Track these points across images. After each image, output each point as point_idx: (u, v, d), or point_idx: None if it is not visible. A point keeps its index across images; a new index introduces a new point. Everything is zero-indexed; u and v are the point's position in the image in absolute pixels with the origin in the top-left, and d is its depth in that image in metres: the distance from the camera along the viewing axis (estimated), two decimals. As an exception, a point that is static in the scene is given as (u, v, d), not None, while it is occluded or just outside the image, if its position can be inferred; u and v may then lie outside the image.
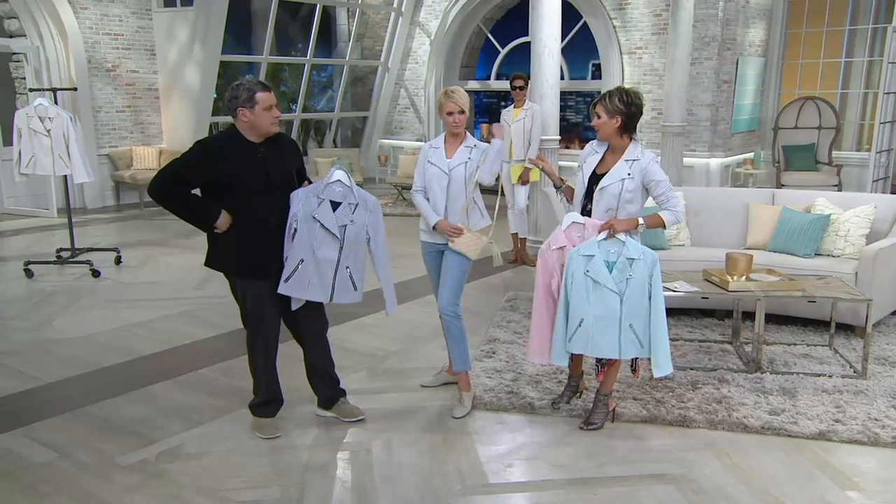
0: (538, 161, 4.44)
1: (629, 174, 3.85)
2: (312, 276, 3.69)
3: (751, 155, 11.40)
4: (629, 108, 3.80)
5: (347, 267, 3.75)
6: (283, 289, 3.71)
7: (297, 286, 3.70)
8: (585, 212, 3.97)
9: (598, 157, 3.99)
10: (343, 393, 4.14)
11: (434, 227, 4.11)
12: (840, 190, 10.38)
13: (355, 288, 3.80)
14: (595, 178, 3.94)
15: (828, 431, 3.87)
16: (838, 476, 3.49)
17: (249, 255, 3.67)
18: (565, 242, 3.90)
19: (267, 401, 3.97)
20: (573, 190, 4.15)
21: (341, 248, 3.71)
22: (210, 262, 3.82)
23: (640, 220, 3.82)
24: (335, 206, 3.70)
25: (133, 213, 10.62)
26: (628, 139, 3.90)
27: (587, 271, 3.73)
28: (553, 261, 3.93)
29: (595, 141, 4.08)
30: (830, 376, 4.59)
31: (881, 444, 3.78)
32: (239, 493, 3.38)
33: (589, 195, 3.96)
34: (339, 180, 3.74)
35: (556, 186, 4.22)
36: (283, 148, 3.78)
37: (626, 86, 3.97)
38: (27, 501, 3.29)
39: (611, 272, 3.72)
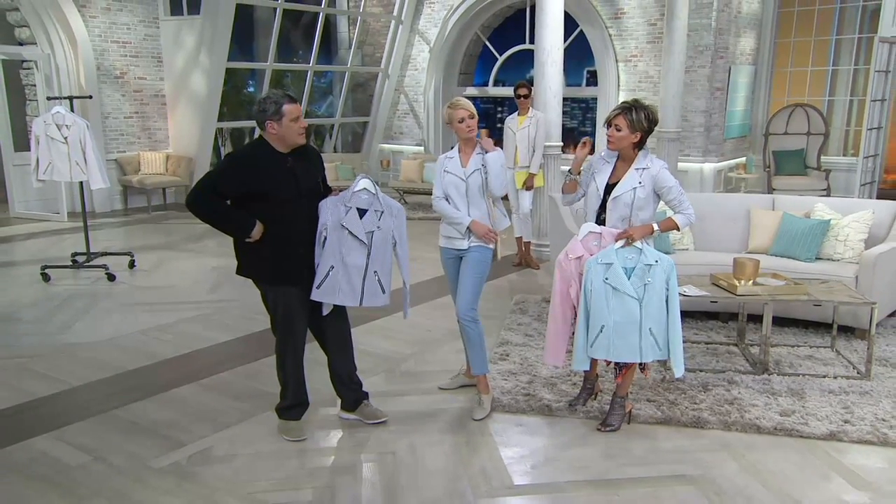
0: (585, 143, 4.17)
1: (640, 182, 3.87)
2: (342, 281, 3.71)
3: (743, 160, 11.47)
4: (651, 127, 3.82)
5: (375, 272, 3.76)
6: (315, 295, 3.72)
7: (329, 292, 3.72)
8: (599, 221, 3.97)
9: (610, 167, 3.99)
10: (366, 395, 4.14)
11: (468, 228, 4.10)
12: (829, 194, 10.46)
13: (383, 291, 3.82)
14: (607, 187, 3.95)
15: (838, 432, 3.89)
16: (852, 476, 3.51)
17: (281, 262, 3.67)
18: (583, 252, 3.90)
19: (294, 404, 3.96)
20: (577, 184, 4.12)
21: (369, 253, 3.73)
22: (242, 271, 3.81)
23: (655, 226, 3.84)
24: (362, 213, 3.71)
25: (141, 217, 10.57)
26: (638, 150, 3.91)
27: (606, 279, 3.74)
28: (571, 269, 3.93)
29: (605, 151, 4.08)
30: (835, 377, 4.63)
31: (890, 444, 3.80)
32: (271, 495, 3.37)
33: (602, 205, 3.96)
34: (364, 188, 3.75)
35: (570, 171, 4.16)
36: (310, 158, 3.79)
37: (646, 102, 3.92)
38: (65, 505, 3.28)
39: (629, 278, 3.73)
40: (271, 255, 3.66)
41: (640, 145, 3.88)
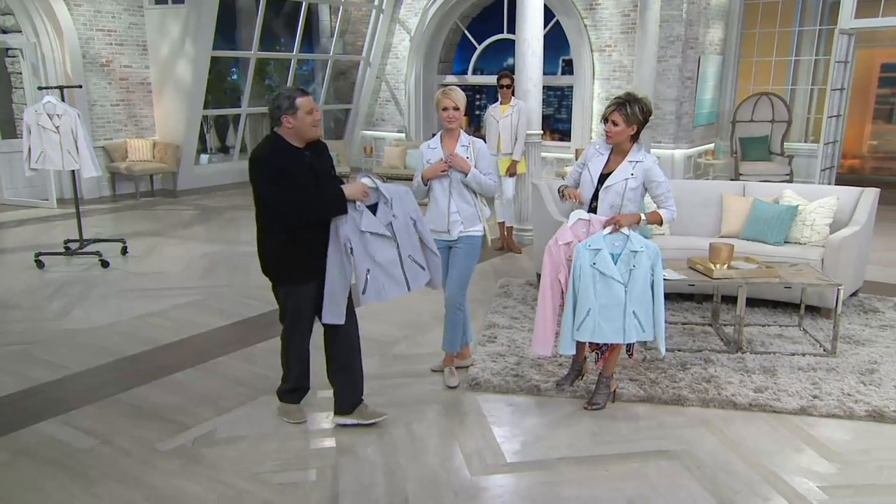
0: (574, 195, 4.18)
1: (632, 174, 3.92)
2: (383, 279, 3.64)
3: (711, 146, 11.61)
4: (645, 118, 3.86)
5: (409, 255, 3.72)
6: (364, 299, 3.65)
7: (375, 293, 3.65)
8: (591, 209, 4.02)
9: (604, 158, 4.03)
10: (361, 400, 3.94)
11: (425, 182, 4.17)
12: (791, 179, 10.63)
13: (423, 268, 3.77)
14: (600, 177, 4.00)
15: (808, 407, 4.01)
16: (822, 448, 3.63)
17: (303, 259, 3.58)
18: (572, 238, 3.95)
19: (295, 388, 3.96)
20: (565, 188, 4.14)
21: (397, 244, 3.67)
22: (269, 273, 3.72)
23: (642, 216, 3.90)
24: (374, 209, 3.65)
25: (129, 204, 10.43)
26: (633, 142, 3.96)
27: (594, 264, 3.79)
28: (560, 255, 3.98)
29: (599, 142, 4.11)
30: (804, 355, 4.75)
31: (856, 417, 3.93)
32: (276, 475, 3.40)
33: (595, 193, 4.01)
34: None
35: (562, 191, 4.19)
36: (321, 151, 3.69)
37: (639, 94, 3.95)
38: (78, 487, 3.27)
39: (615, 264, 3.79)
40: (294, 253, 3.56)
41: (635, 137, 3.93)
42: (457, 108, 4.08)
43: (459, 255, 4.20)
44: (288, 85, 12.93)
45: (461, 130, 4.22)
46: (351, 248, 3.59)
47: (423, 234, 3.84)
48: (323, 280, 3.63)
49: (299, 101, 3.48)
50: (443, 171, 4.11)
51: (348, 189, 3.54)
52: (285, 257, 3.61)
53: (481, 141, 4.25)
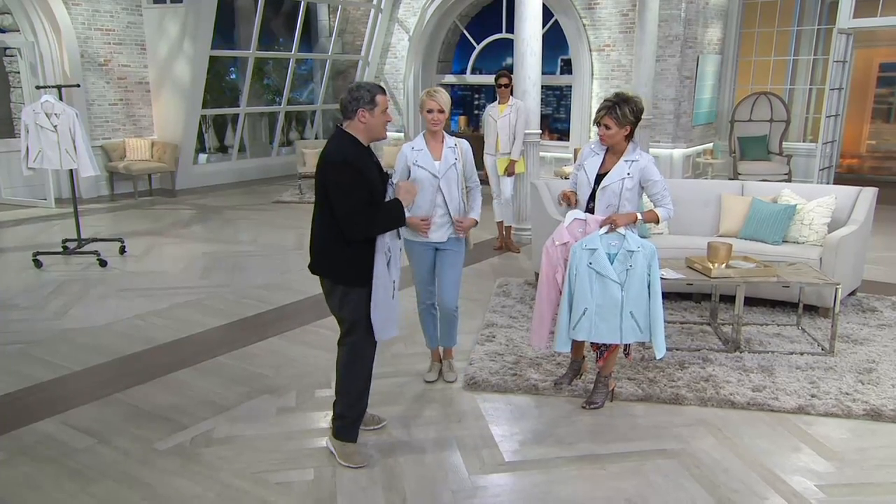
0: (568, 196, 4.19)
1: (629, 174, 3.92)
2: (396, 294, 3.50)
3: (710, 145, 11.62)
4: (637, 117, 3.85)
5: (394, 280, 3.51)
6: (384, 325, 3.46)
7: (392, 308, 3.48)
8: (588, 209, 4.02)
9: (599, 158, 4.03)
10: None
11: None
12: (790, 178, 10.64)
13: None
14: (597, 177, 4.00)
15: (806, 406, 4.01)
16: (820, 447, 3.63)
17: (371, 260, 3.39)
18: (568, 238, 3.95)
19: (361, 415, 3.61)
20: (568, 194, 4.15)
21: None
22: (340, 276, 3.40)
23: (639, 215, 3.90)
24: None
25: (127, 203, 10.42)
26: (628, 141, 3.96)
27: (590, 263, 3.80)
28: (557, 255, 3.99)
29: (594, 142, 4.12)
30: (802, 354, 4.75)
31: (854, 416, 3.93)
32: (274, 475, 3.40)
33: (592, 194, 4.01)
34: None
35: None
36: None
37: (629, 93, 3.94)
38: (75, 486, 3.27)
39: (612, 264, 3.79)
40: (367, 255, 3.36)
41: (629, 137, 3.92)
42: (441, 111, 4.01)
43: (451, 258, 4.17)
44: (287, 85, 12.94)
45: (443, 132, 4.19)
46: (389, 259, 3.39)
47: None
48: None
49: (379, 97, 3.34)
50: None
51: (402, 197, 3.40)
52: (362, 257, 3.35)
53: (465, 141, 4.21)
